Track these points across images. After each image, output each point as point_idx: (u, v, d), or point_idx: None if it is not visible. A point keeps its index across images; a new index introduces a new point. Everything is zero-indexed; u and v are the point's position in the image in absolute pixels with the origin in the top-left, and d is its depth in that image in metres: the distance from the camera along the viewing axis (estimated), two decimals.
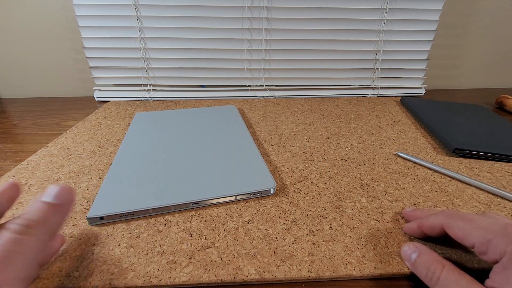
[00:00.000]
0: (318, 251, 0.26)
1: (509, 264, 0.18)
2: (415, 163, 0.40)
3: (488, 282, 0.19)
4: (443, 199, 0.32)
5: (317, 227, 0.28)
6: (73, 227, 0.28)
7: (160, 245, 0.26)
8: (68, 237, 0.27)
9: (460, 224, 0.21)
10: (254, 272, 0.24)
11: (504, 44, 0.78)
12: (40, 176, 0.37)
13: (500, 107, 0.63)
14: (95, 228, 0.28)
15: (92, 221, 0.29)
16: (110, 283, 0.23)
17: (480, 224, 0.20)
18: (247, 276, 0.23)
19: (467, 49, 0.78)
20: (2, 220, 0.19)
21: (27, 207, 0.18)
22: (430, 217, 0.24)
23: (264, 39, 0.67)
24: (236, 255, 0.25)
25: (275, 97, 0.69)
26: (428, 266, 0.21)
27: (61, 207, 0.18)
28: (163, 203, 0.30)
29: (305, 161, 0.40)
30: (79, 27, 0.64)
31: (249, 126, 0.52)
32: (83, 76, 0.74)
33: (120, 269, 0.24)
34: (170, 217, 0.30)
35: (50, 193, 0.19)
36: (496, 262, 0.19)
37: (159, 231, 0.28)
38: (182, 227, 0.28)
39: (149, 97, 0.68)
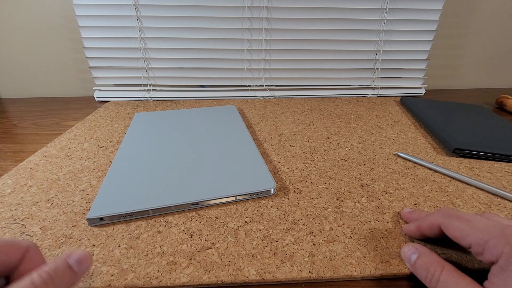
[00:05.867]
0: (318, 251, 0.25)
1: (506, 265, 0.18)
2: (415, 163, 0.40)
3: (486, 283, 0.19)
4: (443, 199, 0.32)
5: (317, 228, 0.28)
6: (73, 228, 0.28)
7: (160, 246, 0.26)
8: (68, 238, 0.27)
9: (457, 224, 0.21)
10: (255, 273, 0.24)
11: (504, 44, 0.78)
12: (39, 177, 0.37)
13: (500, 107, 0.63)
14: (95, 229, 0.28)
15: (92, 222, 0.29)
16: (110, 285, 0.23)
17: (477, 225, 0.20)
18: (247, 277, 0.23)
19: (467, 49, 0.78)
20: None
21: (53, 260, 0.19)
22: (427, 218, 0.24)
23: (264, 39, 0.67)
24: (236, 256, 0.25)
25: (275, 97, 0.69)
26: (427, 267, 0.21)
27: (78, 275, 0.19)
28: (163, 204, 0.30)
29: (305, 161, 0.40)
30: (79, 27, 0.63)
31: (249, 126, 0.52)
32: (83, 76, 0.74)
33: (120, 270, 0.24)
34: (170, 218, 0.30)
35: (75, 258, 0.19)
36: (493, 263, 0.19)
37: (159, 232, 0.28)
38: (182, 227, 0.28)
39: (149, 97, 0.68)
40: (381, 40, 0.68)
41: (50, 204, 0.32)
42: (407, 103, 0.60)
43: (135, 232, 0.28)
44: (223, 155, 0.39)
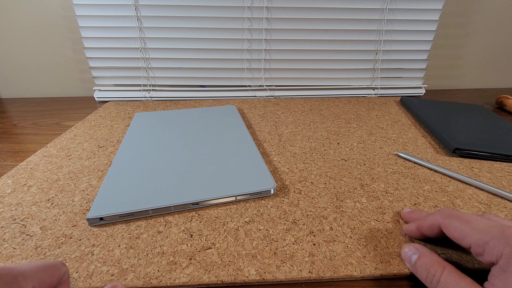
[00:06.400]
0: (318, 251, 0.25)
1: (507, 266, 0.17)
2: (415, 163, 0.40)
3: (486, 284, 0.19)
4: (443, 199, 0.32)
5: (317, 228, 0.28)
6: (73, 228, 0.28)
7: (160, 246, 0.26)
8: (68, 238, 0.27)
9: (457, 225, 0.21)
10: (255, 273, 0.24)
11: (504, 44, 0.78)
12: (39, 177, 0.37)
13: (500, 107, 0.63)
14: (95, 229, 0.28)
15: (92, 222, 0.29)
16: None
17: (477, 225, 0.20)
18: (247, 277, 0.23)
19: (467, 49, 0.78)
20: None
21: None
22: (427, 218, 0.24)
23: (264, 39, 0.67)
24: (236, 256, 0.25)
25: (275, 97, 0.69)
26: (428, 268, 0.21)
27: None
28: (163, 204, 0.30)
29: (305, 161, 0.40)
30: (79, 27, 0.63)
31: (249, 126, 0.52)
32: (83, 76, 0.74)
33: (120, 270, 0.24)
34: (170, 218, 0.30)
35: None
36: (492, 264, 0.19)
37: (159, 232, 0.28)
38: (182, 227, 0.28)
39: (149, 97, 0.68)
40: (381, 40, 0.68)
41: (50, 204, 0.32)
42: (407, 103, 0.60)
43: (135, 232, 0.28)
44: (223, 155, 0.39)
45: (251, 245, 0.26)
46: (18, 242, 0.27)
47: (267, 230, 0.28)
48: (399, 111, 0.59)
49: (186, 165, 0.37)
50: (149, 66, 0.68)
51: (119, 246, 0.26)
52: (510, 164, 0.40)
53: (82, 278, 0.23)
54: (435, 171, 0.38)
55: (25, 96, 0.74)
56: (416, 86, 0.73)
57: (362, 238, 0.27)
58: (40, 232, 0.28)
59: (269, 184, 0.33)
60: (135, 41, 0.65)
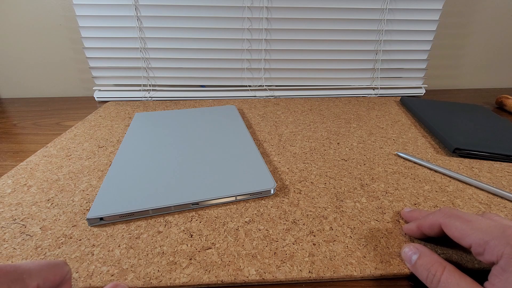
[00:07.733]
0: (318, 251, 0.25)
1: (507, 266, 0.18)
2: (415, 163, 0.40)
3: (487, 284, 0.19)
4: (443, 199, 0.32)
5: (317, 228, 0.28)
6: (73, 228, 0.28)
7: (160, 246, 0.26)
8: (68, 238, 0.27)
9: (457, 224, 0.21)
10: (255, 273, 0.24)
11: (504, 44, 0.78)
12: (39, 177, 0.37)
13: (500, 107, 0.63)
14: (95, 229, 0.28)
15: (92, 222, 0.29)
16: None
17: (477, 225, 0.20)
18: (247, 277, 0.23)
19: (467, 49, 0.78)
20: None
21: None
22: (428, 217, 0.24)
23: (264, 39, 0.67)
24: (236, 256, 0.25)
25: (275, 97, 0.69)
26: (428, 268, 0.21)
27: None
28: (163, 204, 0.30)
29: (305, 161, 0.40)
30: (79, 27, 0.63)
31: (249, 126, 0.52)
32: (83, 76, 0.74)
33: (120, 270, 0.24)
34: (170, 218, 0.30)
35: None
36: (493, 263, 0.19)
37: (159, 232, 0.28)
38: (182, 227, 0.28)
39: (149, 97, 0.68)
40: (381, 40, 0.68)
41: (50, 204, 0.32)
42: (407, 103, 0.60)
43: (135, 232, 0.28)
44: (223, 155, 0.39)
45: (251, 245, 0.26)
46: (18, 242, 0.27)
47: (267, 230, 0.28)
48: (399, 111, 0.59)
49: (186, 165, 0.37)
50: (149, 66, 0.68)
51: (119, 246, 0.26)
52: (510, 164, 0.40)
53: (82, 278, 0.23)
54: (435, 171, 0.38)
55: (25, 96, 0.74)
56: (416, 86, 0.73)
57: (362, 238, 0.27)
58: (40, 232, 0.28)
59: (269, 184, 0.33)
60: (135, 41, 0.65)
